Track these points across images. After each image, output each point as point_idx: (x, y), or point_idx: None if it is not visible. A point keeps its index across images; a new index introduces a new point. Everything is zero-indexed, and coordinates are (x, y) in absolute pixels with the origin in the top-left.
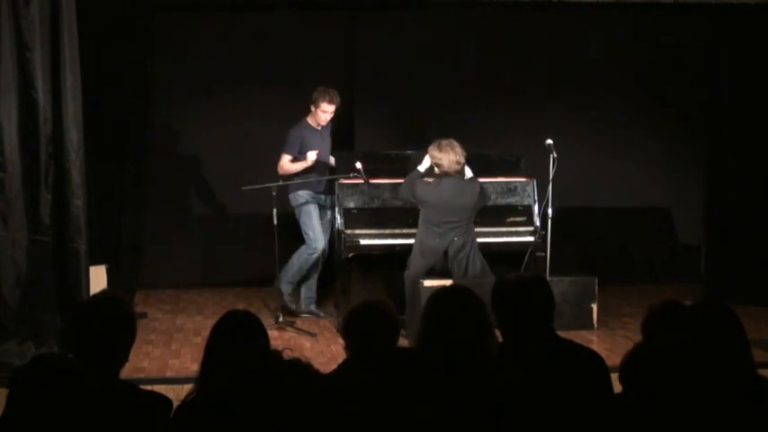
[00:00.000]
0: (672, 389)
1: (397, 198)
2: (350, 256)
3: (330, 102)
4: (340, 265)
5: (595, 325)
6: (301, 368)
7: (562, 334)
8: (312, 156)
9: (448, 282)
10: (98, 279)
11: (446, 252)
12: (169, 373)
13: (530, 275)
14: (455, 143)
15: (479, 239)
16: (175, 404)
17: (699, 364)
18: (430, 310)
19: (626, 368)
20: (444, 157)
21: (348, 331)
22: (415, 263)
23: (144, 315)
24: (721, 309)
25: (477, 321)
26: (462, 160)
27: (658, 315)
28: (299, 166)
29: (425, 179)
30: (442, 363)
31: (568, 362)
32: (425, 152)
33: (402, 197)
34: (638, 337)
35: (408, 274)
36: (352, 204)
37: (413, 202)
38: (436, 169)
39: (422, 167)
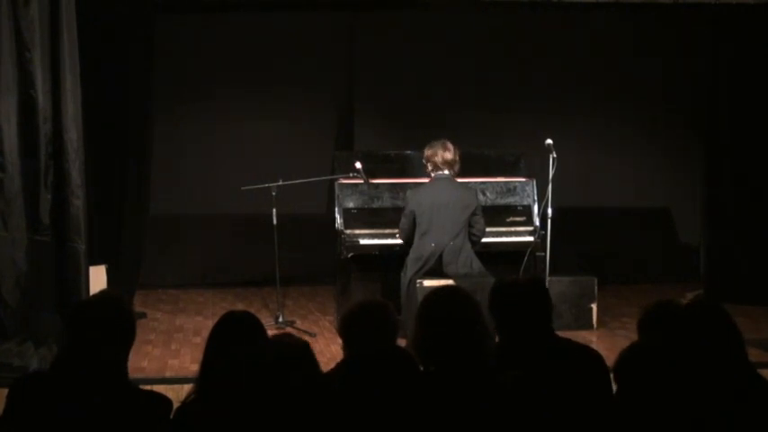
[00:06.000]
0: (666, 388)
1: (402, 232)
2: (349, 255)
3: None
4: (340, 265)
5: (595, 325)
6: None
7: (562, 334)
8: None
9: (447, 282)
10: (98, 279)
11: (441, 257)
12: (169, 373)
13: (527, 278)
14: (447, 142)
15: None
16: (175, 404)
17: (691, 364)
18: (424, 310)
19: (621, 367)
20: (434, 152)
21: (346, 331)
22: (412, 267)
23: (143, 315)
24: (715, 308)
25: (472, 322)
26: (452, 158)
27: (653, 314)
28: None
29: (417, 187)
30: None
31: (567, 361)
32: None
33: (403, 223)
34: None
35: (405, 276)
36: (351, 204)
37: (413, 215)
38: (429, 167)
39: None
